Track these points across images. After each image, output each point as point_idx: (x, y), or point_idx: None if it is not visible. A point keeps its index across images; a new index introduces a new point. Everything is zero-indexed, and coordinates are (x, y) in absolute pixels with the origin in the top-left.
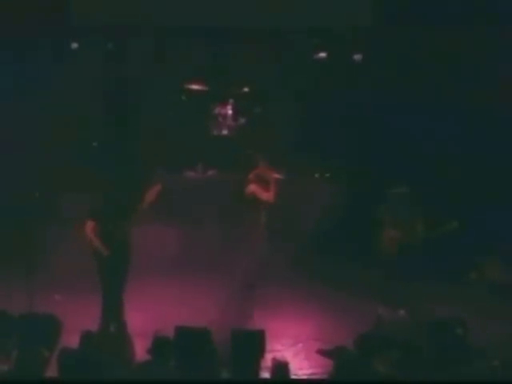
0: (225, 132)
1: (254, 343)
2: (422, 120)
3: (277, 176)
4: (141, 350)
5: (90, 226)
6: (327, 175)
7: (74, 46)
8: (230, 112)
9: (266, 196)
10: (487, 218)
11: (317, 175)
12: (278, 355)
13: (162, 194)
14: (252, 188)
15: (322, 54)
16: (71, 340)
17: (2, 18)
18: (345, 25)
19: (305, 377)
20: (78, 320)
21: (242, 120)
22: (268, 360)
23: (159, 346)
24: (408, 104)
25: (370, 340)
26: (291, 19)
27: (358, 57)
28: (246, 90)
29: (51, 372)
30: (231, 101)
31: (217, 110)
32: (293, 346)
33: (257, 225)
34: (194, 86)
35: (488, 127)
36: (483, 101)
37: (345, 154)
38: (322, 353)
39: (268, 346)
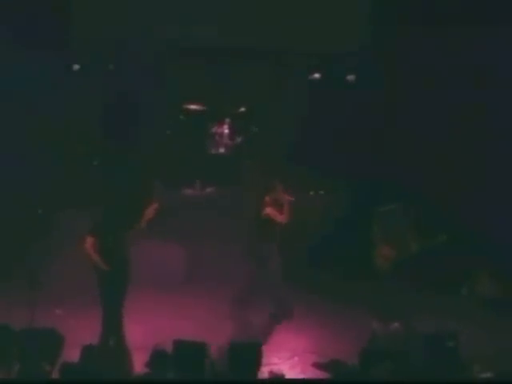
0: (222, 150)
1: (251, 356)
2: (412, 137)
3: (290, 199)
4: (140, 363)
5: (89, 241)
6: (321, 192)
7: (76, 67)
8: (226, 131)
9: (281, 218)
10: (479, 235)
11: (312, 192)
12: (275, 368)
13: (159, 211)
14: (268, 210)
15: (317, 75)
16: (72, 354)
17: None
18: (338, 48)
19: None
20: (79, 334)
21: (239, 139)
22: (265, 373)
23: (157, 359)
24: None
25: (365, 353)
26: (287, 42)
27: (351, 77)
28: (242, 109)
29: None
30: (228, 120)
31: (214, 129)
32: (289, 359)
33: (269, 244)
34: (193, 106)
35: (479, 140)
36: (477, 115)
37: (339, 172)
38: (317, 366)
39: (265, 359)
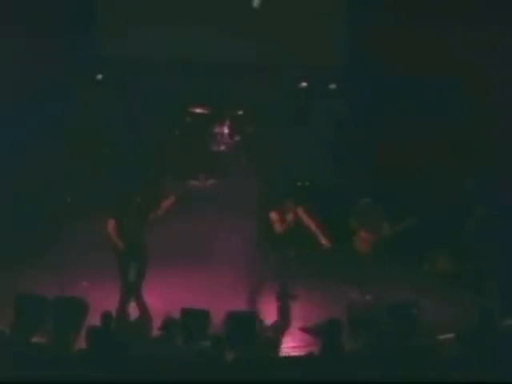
0: (222, 148)
1: (247, 323)
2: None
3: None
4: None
5: (111, 224)
6: (307, 183)
7: (99, 76)
8: (226, 131)
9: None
10: (439, 221)
11: (299, 183)
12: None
13: (175, 203)
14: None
15: (304, 84)
16: (95, 319)
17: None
18: (322, 61)
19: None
20: (101, 303)
21: (237, 138)
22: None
23: (168, 324)
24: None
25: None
26: (278, 56)
27: (333, 86)
28: (240, 112)
29: (80, 345)
30: (228, 122)
31: (216, 130)
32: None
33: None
34: (198, 110)
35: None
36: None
37: (322, 166)
38: (303, 330)
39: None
